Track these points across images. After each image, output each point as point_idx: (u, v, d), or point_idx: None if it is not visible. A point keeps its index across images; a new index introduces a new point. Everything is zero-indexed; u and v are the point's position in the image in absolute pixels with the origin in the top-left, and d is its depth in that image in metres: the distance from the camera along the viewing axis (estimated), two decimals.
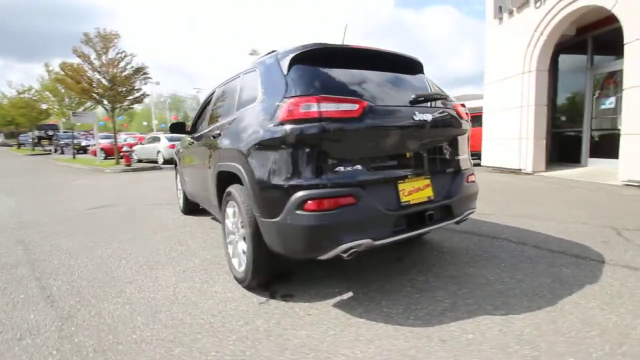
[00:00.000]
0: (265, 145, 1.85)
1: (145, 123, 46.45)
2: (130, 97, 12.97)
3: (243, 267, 2.18)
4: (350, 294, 2.14)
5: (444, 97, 2.24)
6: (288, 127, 1.73)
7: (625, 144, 5.39)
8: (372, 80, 2.01)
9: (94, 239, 3.61)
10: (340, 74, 1.96)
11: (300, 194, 1.70)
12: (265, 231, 1.90)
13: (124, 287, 2.39)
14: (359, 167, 1.78)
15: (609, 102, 6.82)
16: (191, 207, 4.49)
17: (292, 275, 2.44)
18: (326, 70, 1.95)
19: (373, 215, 1.76)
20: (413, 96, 1.99)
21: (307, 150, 1.72)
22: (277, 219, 1.78)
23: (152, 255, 3.03)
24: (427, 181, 2.04)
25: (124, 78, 12.28)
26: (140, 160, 15.51)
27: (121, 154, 13.24)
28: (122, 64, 12.35)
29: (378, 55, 2.21)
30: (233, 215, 2.36)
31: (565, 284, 2.16)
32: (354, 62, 2.07)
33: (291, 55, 1.97)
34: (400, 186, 1.92)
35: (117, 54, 12.32)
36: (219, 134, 2.49)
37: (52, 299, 2.26)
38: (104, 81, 12.11)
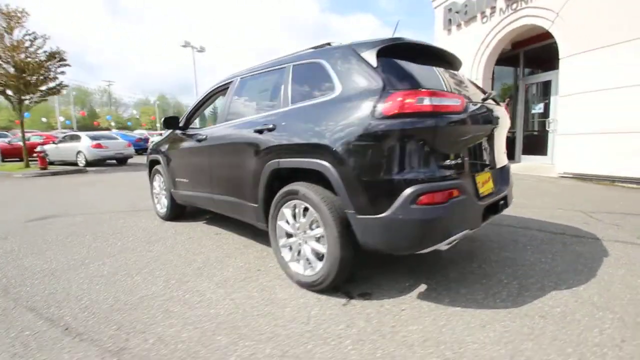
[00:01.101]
0: (366, 139, 1.77)
1: (44, 119, 39.39)
2: (43, 88, 10.91)
3: (317, 269, 2.05)
4: (424, 286, 2.19)
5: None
6: (398, 120, 1.70)
7: (560, 143, 6.51)
8: (444, 77, 2.08)
9: (72, 254, 2.99)
10: (420, 69, 1.98)
11: (414, 188, 1.68)
12: (362, 228, 1.82)
13: (167, 306, 2.05)
14: (459, 160, 1.83)
15: (538, 108, 8.16)
16: (177, 213, 4.02)
17: (353, 274, 2.39)
18: (408, 64, 1.96)
19: (471, 206, 1.84)
20: (485, 94, 2.12)
21: (419, 143, 1.71)
22: (384, 214, 1.73)
23: (169, 267, 2.64)
24: (489, 174, 2.20)
25: (35, 65, 10.28)
26: (51, 163, 13.15)
27: (35, 155, 11.07)
28: (32, 48, 10.32)
29: (441, 53, 2.28)
30: (293, 217, 2.20)
31: (588, 258, 2.53)
32: (424, 58, 2.12)
33: (377, 48, 1.93)
34: (477, 178, 2.03)
35: (26, 35, 10.26)
36: (271, 129, 2.29)
37: (77, 331, 1.83)
38: (8, 68, 9.97)
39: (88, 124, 47.88)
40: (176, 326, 1.84)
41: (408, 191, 1.69)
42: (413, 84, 1.77)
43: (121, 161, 13.70)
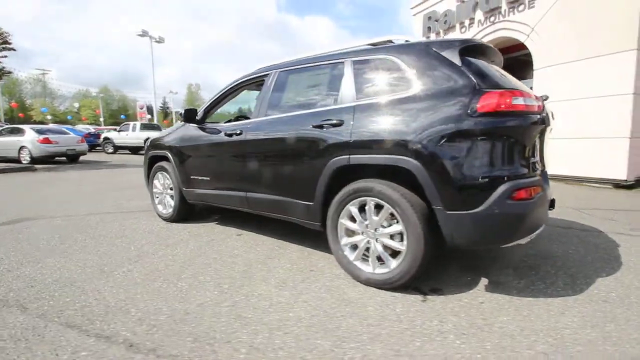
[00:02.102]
0: (460, 136, 1.79)
1: None
2: None
3: (392, 266, 2.04)
4: (484, 280, 2.27)
5: None
6: (493, 118, 1.75)
7: None
8: (506, 77, 2.16)
9: (81, 261, 2.64)
10: (493, 69, 2.05)
11: (510, 183, 1.74)
12: (450, 224, 1.84)
13: (237, 312, 1.90)
14: (537, 157, 1.93)
15: None
16: (185, 214, 3.74)
17: None
18: (484, 64, 2.02)
19: (546, 202, 1.96)
20: (543, 94, 2.25)
21: (510, 141, 1.78)
22: (478, 209, 1.77)
23: (210, 271, 2.44)
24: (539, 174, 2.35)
25: None
26: None
27: None
28: None
29: (494, 54, 2.36)
30: (361, 214, 2.16)
31: (606, 249, 2.82)
32: (486, 58, 2.20)
33: (458, 48, 1.97)
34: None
35: None
36: (335, 124, 2.21)
37: (147, 347, 1.62)
38: None
39: (15, 116, 42.38)
40: (262, 332, 1.71)
41: (504, 187, 1.75)
42: (501, 84, 1.84)
43: (73, 158, 12.35)
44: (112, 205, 4.74)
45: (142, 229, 3.57)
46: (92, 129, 23.88)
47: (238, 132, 2.84)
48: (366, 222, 2.15)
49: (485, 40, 7.76)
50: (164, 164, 3.75)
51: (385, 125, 2.03)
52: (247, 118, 3.88)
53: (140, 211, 4.37)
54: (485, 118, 1.76)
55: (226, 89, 3.25)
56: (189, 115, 3.25)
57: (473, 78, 1.85)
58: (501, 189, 1.75)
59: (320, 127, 2.30)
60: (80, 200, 5.20)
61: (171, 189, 3.72)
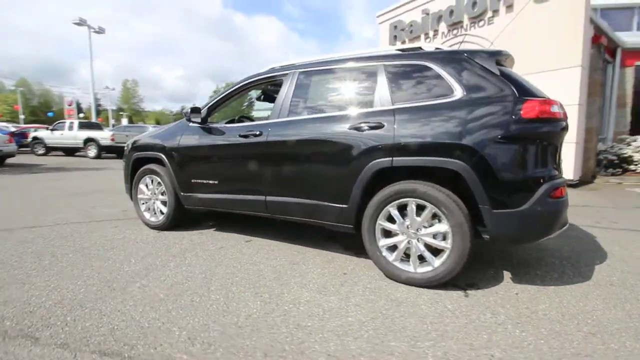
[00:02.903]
0: (507, 140, 1.92)
1: None
2: None
3: (436, 265, 2.11)
4: (507, 273, 2.45)
5: None
6: (535, 124, 1.91)
7: None
8: (535, 86, 2.35)
9: (79, 279, 2.30)
10: (524, 79, 2.23)
11: (550, 183, 1.92)
12: (496, 221, 1.96)
13: (295, 321, 1.81)
14: (560, 160, 2.15)
15: None
16: (179, 221, 3.46)
17: None
18: (516, 73, 2.20)
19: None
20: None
21: (546, 145, 1.96)
22: (522, 207, 1.92)
23: (240, 281, 2.30)
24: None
25: None
26: None
27: None
28: None
29: (513, 61, 2.55)
30: (402, 215, 2.20)
31: (588, 241, 3.22)
32: (511, 66, 2.40)
33: (495, 58, 2.12)
34: None
35: None
36: (375, 126, 2.22)
37: None
38: None
39: None
40: (331, 340, 1.66)
41: (545, 186, 1.92)
42: (536, 93, 2.02)
43: None
44: (79, 214, 4.19)
45: (131, 238, 3.22)
46: (11, 126, 20.78)
47: (257, 133, 2.71)
48: (407, 223, 2.20)
49: None
50: (154, 166, 3.42)
51: (430, 128, 2.10)
52: (250, 119, 3.74)
53: (116, 219, 3.94)
54: (528, 124, 1.92)
55: (234, 88, 3.08)
56: (194, 115, 3.01)
57: (512, 86, 2.01)
58: (543, 188, 1.93)
59: (358, 129, 2.30)
60: (36, 209, 4.51)
61: (163, 194, 3.42)
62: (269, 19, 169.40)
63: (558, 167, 2.10)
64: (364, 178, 2.26)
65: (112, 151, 14.26)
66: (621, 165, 7.71)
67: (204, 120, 3.10)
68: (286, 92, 2.73)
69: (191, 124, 3.18)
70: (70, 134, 14.75)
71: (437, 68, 2.20)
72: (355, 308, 1.96)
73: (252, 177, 2.79)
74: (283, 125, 2.64)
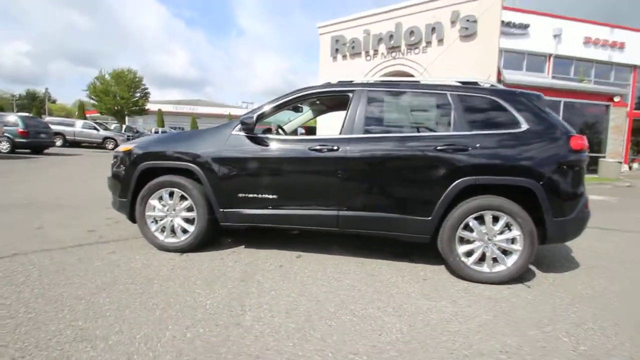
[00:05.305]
0: (564, 165, 2.51)
1: None
2: None
3: (509, 264, 2.55)
4: (532, 266, 3.11)
5: None
6: (579, 154, 2.57)
7: None
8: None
9: (112, 324, 1.91)
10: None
11: (585, 197, 2.60)
12: (555, 227, 2.53)
13: (444, 327, 1.98)
14: None
15: None
16: (206, 240, 3.07)
17: None
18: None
19: None
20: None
21: (582, 168, 2.63)
22: (570, 216, 2.54)
23: (341, 300, 2.29)
24: None
25: None
26: None
27: None
28: None
29: None
30: (482, 224, 2.58)
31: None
32: None
33: (540, 99, 2.72)
34: None
35: None
36: (460, 149, 2.55)
37: None
38: None
39: None
40: (493, 339, 1.90)
41: (583, 199, 2.60)
42: (572, 130, 2.70)
43: None
44: (38, 240, 3.20)
45: (153, 264, 2.70)
46: None
47: (334, 147, 2.69)
48: (484, 231, 2.60)
49: (387, 70, 9.42)
50: (177, 179, 2.94)
51: (508, 153, 2.56)
52: (283, 130, 3.54)
53: (95, 243, 3.19)
54: (575, 153, 2.58)
55: (290, 98, 2.94)
56: (248, 124, 2.76)
57: (559, 123, 2.64)
58: (582, 201, 2.60)
59: (445, 150, 2.59)
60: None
61: (190, 209, 2.97)
62: (159, 7, 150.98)
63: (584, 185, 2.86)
64: (451, 194, 2.57)
65: None
66: None
67: (252, 130, 2.87)
68: (358, 109, 2.80)
69: (234, 133, 2.89)
70: None
71: (504, 103, 2.68)
72: (469, 309, 2.22)
73: (324, 191, 2.75)
74: (364, 141, 2.72)
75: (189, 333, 1.78)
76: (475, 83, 2.91)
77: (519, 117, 2.65)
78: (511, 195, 2.59)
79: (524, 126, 2.63)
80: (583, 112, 12.94)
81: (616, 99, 13.41)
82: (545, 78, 15.93)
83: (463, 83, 2.89)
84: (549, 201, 2.52)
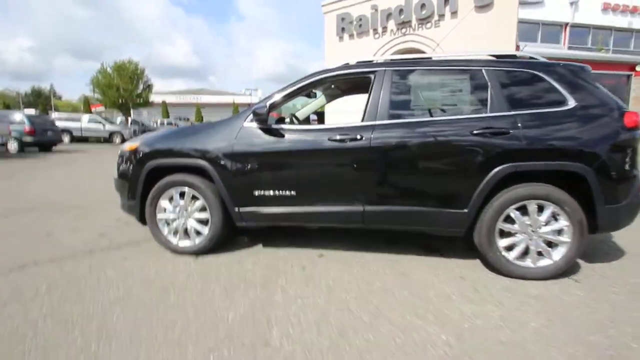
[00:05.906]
0: (618, 145, 2.21)
1: None
2: None
3: (557, 259, 2.31)
4: (580, 261, 2.84)
5: None
6: (632, 132, 2.26)
7: None
8: None
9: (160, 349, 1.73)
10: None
11: (639, 180, 2.31)
12: (606, 215, 2.26)
13: (498, 337, 1.77)
14: None
15: None
16: (221, 241, 2.87)
17: None
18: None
19: None
20: None
21: (636, 149, 2.33)
22: (624, 202, 2.26)
23: (391, 305, 2.09)
24: None
25: None
26: None
27: None
28: None
29: None
30: (525, 215, 2.32)
31: None
32: None
33: (589, 72, 2.39)
34: None
35: None
36: (500, 132, 2.26)
37: None
38: None
39: None
40: (553, 348, 1.68)
41: (637, 183, 2.31)
42: (622, 104, 2.38)
43: None
44: (48, 247, 3.05)
45: (168, 272, 2.53)
46: None
47: (356, 137, 2.43)
48: (527, 222, 2.34)
49: (397, 48, 8.95)
50: (188, 177, 2.73)
51: (556, 135, 2.26)
52: (297, 118, 3.28)
53: (106, 249, 3.03)
54: (629, 132, 2.27)
55: (306, 83, 2.66)
56: (260, 114, 2.51)
57: (611, 99, 2.32)
58: (636, 184, 2.31)
59: (482, 134, 2.30)
60: None
61: (203, 209, 2.77)
62: None
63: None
64: (490, 183, 2.30)
65: None
66: None
67: (265, 121, 2.61)
68: (382, 91, 2.51)
69: (246, 125, 2.64)
70: None
71: (548, 78, 2.36)
72: (519, 313, 2.00)
73: (348, 185, 2.51)
74: (390, 128, 2.44)
75: (212, 357, 1.59)
76: (513, 56, 2.59)
77: (565, 93, 2.34)
78: (555, 182, 2.32)
79: (571, 103, 2.32)
80: (601, 83, 12.30)
81: (638, 68, 12.70)
82: (561, 49, 15.16)
83: (498, 57, 2.57)
84: (601, 187, 2.24)
